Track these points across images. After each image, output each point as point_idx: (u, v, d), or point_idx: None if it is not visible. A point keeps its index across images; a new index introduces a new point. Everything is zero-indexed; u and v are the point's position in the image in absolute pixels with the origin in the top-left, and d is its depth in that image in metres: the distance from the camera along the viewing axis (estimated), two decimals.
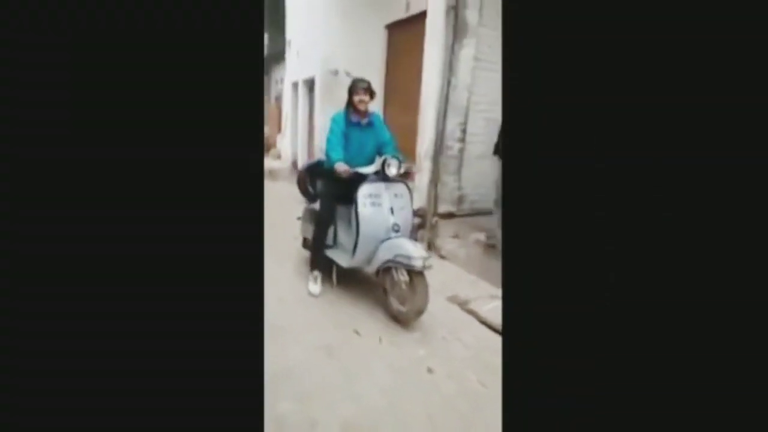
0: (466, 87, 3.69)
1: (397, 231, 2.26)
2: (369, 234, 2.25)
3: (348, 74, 5.26)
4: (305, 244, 3.00)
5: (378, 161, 2.32)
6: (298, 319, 2.24)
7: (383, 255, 2.21)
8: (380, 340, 2.08)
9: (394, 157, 2.30)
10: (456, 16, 3.36)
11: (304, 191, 2.86)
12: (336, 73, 5.80)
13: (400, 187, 2.35)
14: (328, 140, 2.38)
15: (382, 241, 2.24)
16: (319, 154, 4.58)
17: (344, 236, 2.53)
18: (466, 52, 3.57)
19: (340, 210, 2.53)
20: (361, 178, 2.29)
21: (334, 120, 2.42)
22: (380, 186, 2.29)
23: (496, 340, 2.13)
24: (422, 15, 3.73)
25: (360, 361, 1.89)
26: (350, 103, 2.41)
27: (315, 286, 2.55)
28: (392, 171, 2.26)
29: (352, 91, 2.40)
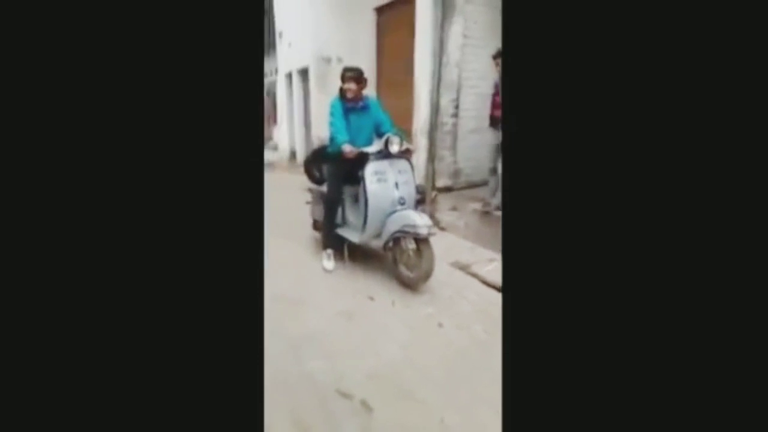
0: (456, 63, 3.81)
1: (402, 204, 2.43)
2: (377, 208, 2.42)
3: (340, 60, 5.31)
4: (315, 225, 3.17)
5: (380, 140, 2.47)
6: (317, 292, 2.43)
7: (391, 227, 2.39)
8: (393, 303, 2.28)
9: (395, 134, 2.46)
10: None
11: (310, 175, 3.02)
12: (329, 60, 5.83)
13: (403, 164, 2.51)
14: (332, 124, 2.52)
15: (389, 214, 2.42)
16: (317, 143, 4.68)
17: (352, 214, 2.71)
18: (455, 30, 3.68)
19: (346, 189, 2.70)
20: (364, 158, 2.44)
21: (333, 105, 2.55)
22: (384, 163, 2.45)
23: (497, 296, 2.33)
24: None
25: (377, 323, 2.08)
26: (341, 91, 2.54)
27: (329, 263, 2.73)
28: (394, 148, 2.42)
29: (342, 79, 2.53)
